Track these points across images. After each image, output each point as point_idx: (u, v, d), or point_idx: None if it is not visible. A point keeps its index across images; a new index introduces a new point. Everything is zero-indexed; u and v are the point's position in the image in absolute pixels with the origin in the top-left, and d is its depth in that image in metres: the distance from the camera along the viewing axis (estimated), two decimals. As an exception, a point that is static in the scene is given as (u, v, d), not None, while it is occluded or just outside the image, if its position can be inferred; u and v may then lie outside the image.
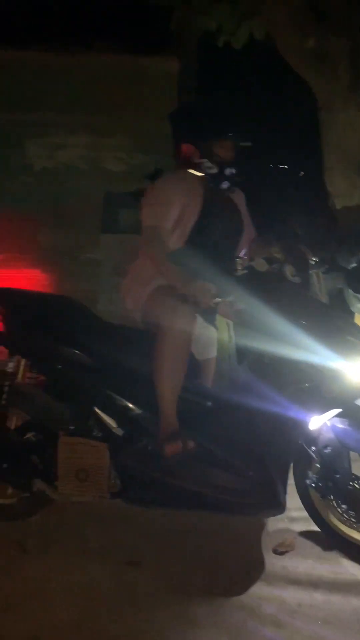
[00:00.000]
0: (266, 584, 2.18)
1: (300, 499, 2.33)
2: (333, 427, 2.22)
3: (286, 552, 2.35)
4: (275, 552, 2.35)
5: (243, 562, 2.28)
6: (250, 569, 2.25)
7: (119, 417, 2.33)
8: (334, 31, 2.71)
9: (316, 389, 2.13)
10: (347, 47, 2.70)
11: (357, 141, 2.80)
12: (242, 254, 2.41)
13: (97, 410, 2.34)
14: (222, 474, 2.25)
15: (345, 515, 2.25)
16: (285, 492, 2.21)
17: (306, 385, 2.15)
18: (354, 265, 2.68)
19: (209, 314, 2.36)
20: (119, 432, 2.30)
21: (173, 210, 2.33)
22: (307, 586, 2.17)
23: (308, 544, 2.38)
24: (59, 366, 2.38)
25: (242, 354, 2.38)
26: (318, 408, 2.15)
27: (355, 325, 2.30)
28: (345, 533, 2.28)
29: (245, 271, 2.19)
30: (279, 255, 2.26)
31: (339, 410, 2.16)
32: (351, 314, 2.94)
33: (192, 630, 1.96)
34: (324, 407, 2.15)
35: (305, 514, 2.35)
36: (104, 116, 4.79)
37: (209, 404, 2.34)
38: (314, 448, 2.24)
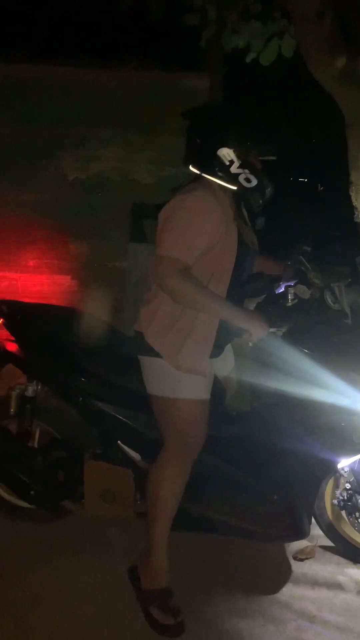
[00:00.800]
0: (286, 589, 2.23)
1: (316, 519, 2.36)
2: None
3: (306, 559, 2.40)
4: (296, 558, 2.40)
5: (264, 568, 2.34)
6: (271, 575, 2.31)
7: (143, 451, 2.27)
8: (362, 52, 2.76)
9: (346, 433, 2.10)
10: (375, 68, 2.74)
11: (381, 158, 2.83)
12: (283, 287, 2.17)
13: (120, 444, 2.30)
14: (247, 499, 2.25)
15: None
16: (310, 521, 2.23)
17: (335, 427, 2.12)
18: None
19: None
20: (143, 465, 2.25)
21: (204, 241, 1.97)
22: (327, 592, 2.22)
23: (327, 552, 2.43)
24: (80, 398, 2.31)
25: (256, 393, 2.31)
26: (347, 452, 2.16)
27: None
28: None
29: (296, 300, 2.08)
30: (317, 281, 2.13)
31: None
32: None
33: (212, 630, 2.02)
34: (354, 451, 2.15)
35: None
36: (136, 130, 4.89)
37: (234, 432, 2.28)
38: (347, 469, 2.27)
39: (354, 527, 2.36)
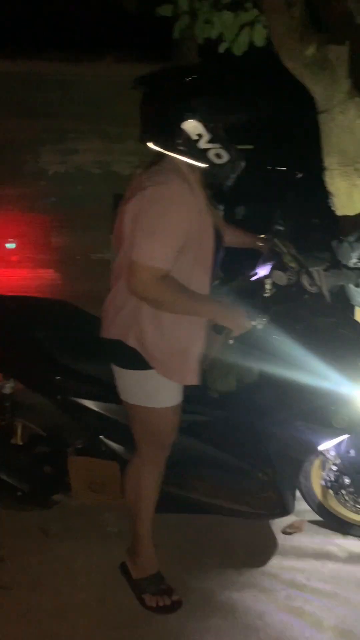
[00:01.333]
0: (277, 562, 2.32)
1: (305, 497, 2.45)
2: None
3: (295, 533, 2.49)
4: (285, 532, 2.49)
5: (253, 543, 2.42)
6: (260, 549, 2.39)
7: (126, 442, 2.23)
8: (333, 40, 2.80)
9: (326, 416, 2.13)
10: (345, 55, 2.78)
11: (355, 143, 2.89)
12: (259, 272, 2.12)
13: (103, 439, 2.29)
14: (231, 479, 2.28)
15: (357, 505, 2.38)
16: (294, 497, 2.29)
17: (315, 410, 2.13)
18: (354, 260, 2.78)
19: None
20: (128, 456, 2.22)
21: (181, 237, 1.79)
22: (315, 562, 2.31)
23: (315, 525, 2.52)
24: (59, 396, 2.28)
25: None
26: (328, 435, 2.21)
27: None
28: (354, 519, 2.44)
29: (274, 290, 2.01)
30: (293, 264, 2.07)
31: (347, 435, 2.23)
32: (352, 308, 3.04)
33: (207, 603, 2.10)
34: (334, 434, 2.21)
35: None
36: (114, 122, 4.93)
37: (217, 415, 2.30)
38: (333, 453, 2.34)
39: (340, 502, 2.45)
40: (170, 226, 1.77)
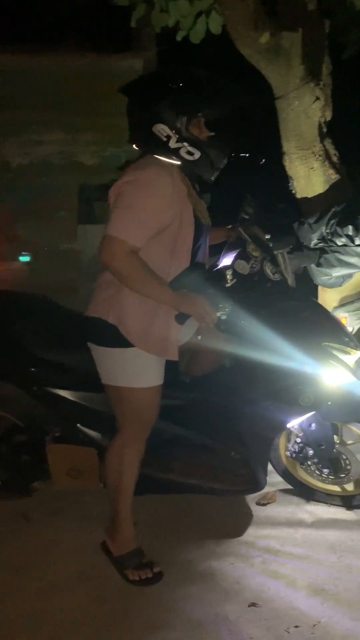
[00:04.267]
0: (252, 531, 2.43)
1: (274, 467, 2.58)
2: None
3: (268, 504, 2.61)
4: (259, 504, 2.60)
5: (229, 516, 2.52)
6: (236, 521, 2.49)
7: (103, 429, 2.31)
8: (286, 27, 2.88)
9: (293, 396, 2.19)
10: (299, 41, 2.85)
11: (311, 128, 2.97)
12: (222, 261, 2.15)
13: (80, 427, 2.35)
14: (206, 458, 2.38)
15: (322, 475, 2.52)
16: (265, 473, 2.38)
17: (282, 390, 2.20)
18: (314, 241, 2.89)
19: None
20: (105, 442, 2.28)
21: (158, 220, 1.91)
22: (288, 529, 2.43)
23: (287, 496, 2.64)
24: (34, 387, 2.33)
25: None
26: (295, 413, 2.28)
27: (333, 327, 2.32)
28: (321, 487, 2.58)
29: (234, 280, 2.04)
30: (256, 253, 2.11)
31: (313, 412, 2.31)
32: (316, 288, 3.16)
33: (187, 573, 2.20)
34: (301, 412, 2.29)
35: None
36: (76, 113, 4.94)
37: (190, 398, 2.37)
38: (296, 427, 2.46)
39: (306, 472, 2.59)
40: (145, 206, 1.89)
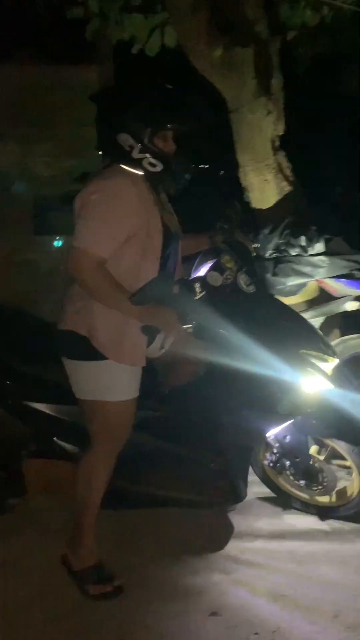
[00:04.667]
0: (212, 541, 2.41)
1: (257, 475, 2.58)
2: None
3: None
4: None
5: (189, 526, 2.49)
6: (196, 531, 2.47)
7: (80, 443, 2.25)
8: (239, 42, 2.94)
9: (272, 404, 2.16)
10: (251, 56, 2.93)
11: (264, 141, 3.05)
12: (198, 272, 2.10)
13: (57, 440, 2.32)
14: (185, 471, 2.34)
15: (298, 483, 2.52)
16: (245, 485, 2.36)
17: (260, 399, 2.17)
18: (269, 252, 2.94)
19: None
20: (82, 455, 2.22)
21: (122, 230, 1.90)
22: (248, 538, 2.43)
23: (246, 507, 2.56)
24: (9, 401, 2.29)
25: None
26: (273, 422, 2.27)
27: (309, 334, 2.30)
28: (296, 494, 2.58)
29: (203, 292, 1.98)
30: (230, 265, 2.08)
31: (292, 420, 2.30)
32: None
33: (147, 585, 2.18)
34: (279, 421, 2.28)
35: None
36: (30, 124, 4.89)
37: (169, 409, 2.33)
38: (272, 437, 2.43)
39: (285, 481, 2.58)
40: (109, 216, 1.89)
